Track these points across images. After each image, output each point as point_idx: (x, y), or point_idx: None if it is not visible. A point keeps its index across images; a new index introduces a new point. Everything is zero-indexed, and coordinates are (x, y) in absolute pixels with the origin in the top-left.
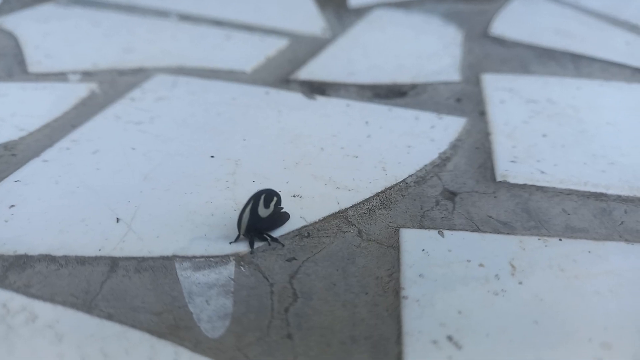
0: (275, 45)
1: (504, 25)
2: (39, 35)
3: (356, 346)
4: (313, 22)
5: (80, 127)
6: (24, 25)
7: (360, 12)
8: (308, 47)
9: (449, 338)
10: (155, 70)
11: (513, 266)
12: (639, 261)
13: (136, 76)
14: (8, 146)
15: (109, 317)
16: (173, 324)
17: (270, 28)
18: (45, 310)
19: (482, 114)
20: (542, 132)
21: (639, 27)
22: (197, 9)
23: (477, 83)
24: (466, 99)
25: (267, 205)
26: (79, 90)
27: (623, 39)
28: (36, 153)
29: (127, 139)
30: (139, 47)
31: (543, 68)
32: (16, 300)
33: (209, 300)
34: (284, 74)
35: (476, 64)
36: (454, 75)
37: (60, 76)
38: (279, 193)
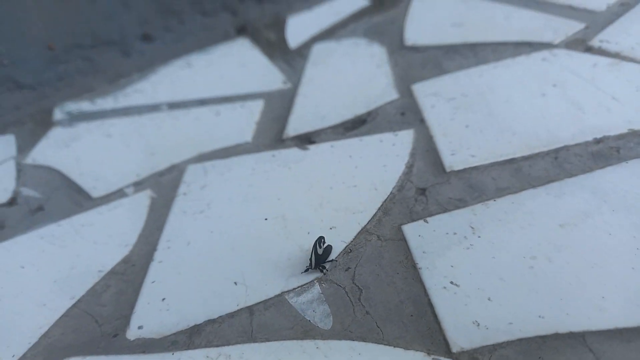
0: (256, 109)
1: (414, 35)
2: (73, 161)
3: (405, 304)
4: (273, 77)
5: (164, 229)
6: (52, 155)
7: (302, 51)
8: (280, 102)
9: (451, 282)
10: (183, 163)
11: (472, 228)
12: (545, 200)
13: (172, 173)
14: (126, 260)
15: (267, 340)
16: (303, 330)
17: (244, 94)
18: (229, 350)
19: (422, 121)
20: (465, 124)
21: None
22: (179, 96)
23: (411, 94)
24: (408, 111)
25: (320, 245)
26: (142, 199)
27: (502, 14)
28: (150, 258)
29: (201, 226)
30: (158, 145)
31: (452, 63)
32: (212, 352)
33: (315, 309)
34: (276, 133)
35: (404, 75)
36: (393, 94)
37: (118, 193)
38: (324, 236)
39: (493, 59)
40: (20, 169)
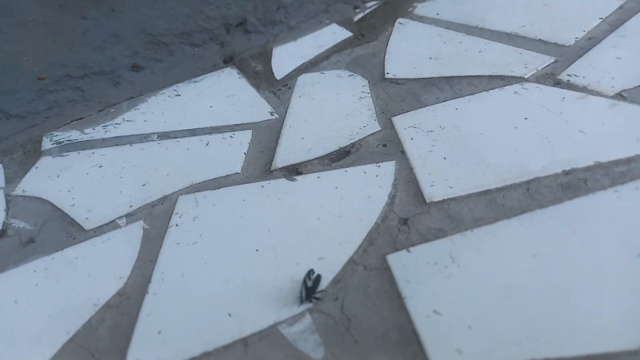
0: (244, 139)
1: (393, 68)
2: (65, 193)
3: (391, 333)
4: (260, 108)
5: (158, 261)
6: (42, 186)
7: (287, 81)
8: (267, 132)
9: (434, 311)
10: (174, 194)
11: (452, 257)
12: (518, 230)
13: (164, 203)
14: (121, 292)
15: None
16: None
17: (232, 125)
18: None
19: (403, 152)
20: (443, 156)
21: (486, 30)
22: (168, 125)
23: (392, 126)
24: (389, 143)
25: (309, 278)
26: (135, 231)
27: (476, 48)
28: (144, 290)
29: (194, 257)
30: (151, 177)
31: (430, 95)
32: None
33: (307, 339)
34: (264, 163)
35: (385, 108)
36: (375, 126)
37: (111, 224)
38: (313, 268)
39: (468, 92)
40: (10, 200)
